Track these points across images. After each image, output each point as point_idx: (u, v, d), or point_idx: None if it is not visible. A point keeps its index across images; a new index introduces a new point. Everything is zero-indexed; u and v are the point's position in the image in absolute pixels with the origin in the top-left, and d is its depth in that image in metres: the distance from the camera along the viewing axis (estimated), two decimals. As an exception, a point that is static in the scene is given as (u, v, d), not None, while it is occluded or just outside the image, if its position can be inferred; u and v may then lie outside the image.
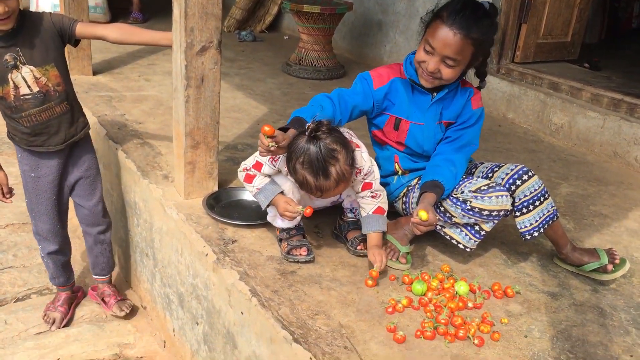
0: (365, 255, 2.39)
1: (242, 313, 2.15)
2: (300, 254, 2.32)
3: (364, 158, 2.23)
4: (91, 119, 3.51)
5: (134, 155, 3.11)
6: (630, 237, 2.82)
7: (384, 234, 2.35)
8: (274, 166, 2.23)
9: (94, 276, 3.01)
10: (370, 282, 2.21)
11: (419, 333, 1.98)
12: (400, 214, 2.57)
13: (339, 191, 2.16)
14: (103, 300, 2.98)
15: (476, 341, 1.96)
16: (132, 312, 3.07)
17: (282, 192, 2.27)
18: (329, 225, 2.61)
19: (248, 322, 2.12)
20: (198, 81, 2.50)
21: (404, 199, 2.49)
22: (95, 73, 4.38)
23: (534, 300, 2.24)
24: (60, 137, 2.56)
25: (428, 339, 1.96)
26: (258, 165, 2.26)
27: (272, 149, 2.02)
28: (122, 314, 2.92)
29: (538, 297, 2.26)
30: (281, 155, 2.19)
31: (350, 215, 2.47)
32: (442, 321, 2.03)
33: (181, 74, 2.48)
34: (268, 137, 2.01)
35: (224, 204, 2.72)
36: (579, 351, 1.99)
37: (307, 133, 2.03)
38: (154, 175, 2.92)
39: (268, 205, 2.28)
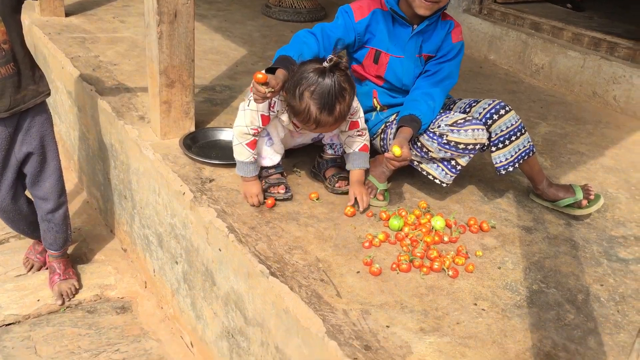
0: (344, 193, 2.39)
1: (219, 250, 2.16)
2: (278, 192, 2.32)
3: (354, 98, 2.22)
4: (64, 60, 3.43)
5: (109, 96, 3.05)
6: (605, 173, 2.85)
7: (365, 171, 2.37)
8: (274, 112, 2.22)
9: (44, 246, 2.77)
10: (349, 212, 2.24)
11: (394, 266, 2.00)
12: (378, 151, 2.57)
13: (332, 129, 2.16)
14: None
15: (450, 272, 1.99)
16: (113, 255, 3.08)
17: (258, 177, 2.31)
18: (308, 164, 2.60)
19: (226, 258, 2.13)
20: (171, 16, 2.44)
21: (382, 136, 2.48)
22: (67, 14, 4.25)
23: (508, 235, 2.27)
24: (4, 103, 2.24)
25: (404, 272, 1.99)
26: (265, 119, 2.22)
27: (269, 95, 2.00)
28: (59, 302, 2.70)
29: (513, 232, 2.29)
30: (278, 100, 2.18)
31: (330, 151, 2.46)
32: (418, 254, 2.06)
33: (153, 9, 2.41)
34: (262, 84, 1.98)
35: (201, 144, 2.70)
36: (550, 281, 2.03)
37: (326, 64, 2.00)
38: (130, 116, 2.88)
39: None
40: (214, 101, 3.18)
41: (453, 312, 1.84)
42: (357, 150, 2.34)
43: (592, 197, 2.39)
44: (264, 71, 2.01)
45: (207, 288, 2.32)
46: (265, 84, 1.98)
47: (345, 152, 2.38)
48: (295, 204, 2.32)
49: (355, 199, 2.26)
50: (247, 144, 2.24)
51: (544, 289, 1.99)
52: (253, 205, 2.25)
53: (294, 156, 2.65)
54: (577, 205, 2.39)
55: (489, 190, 2.58)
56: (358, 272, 1.98)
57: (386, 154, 2.09)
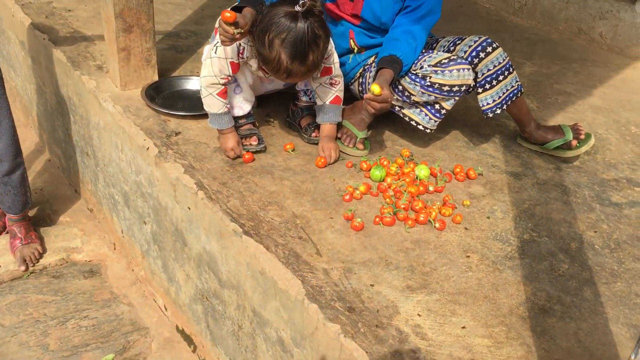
0: (315, 143, 2.24)
1: (189, 208, 2.00)
2: (251, 144, 2.15)
3: None
4: (14, 7, 3.15)
5: (64, 45, 2.81)
6: (594, 113, 2.73)
7: (338, 124, 2.20)
8: (244, 58, 2.02)
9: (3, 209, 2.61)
10: (320, 163, 2.10)
11: (377, 219, 1.87)
12: (356, 97, 2.40)
13: (304, 79, 1.98)
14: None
15: (437, 225, 1.86)
16: (79, 217, 2.91)
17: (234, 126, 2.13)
18: (282, 113, 2.42)
19: (196, 217, 1.98)
20: (124, -48, 2.20)
21: (360, 80, 2.31)
22: (16, -42, 3.91)
23: (496, 182, 2.14)
24: None
25: (387, 225, 1.86)
26: (234, 66, 2.03)
27: (237, 36, 1.80)
28: (22, 268, 2.55)
29: (501, 178, 2.16)
30: (247, 45, 1.98)
31: (304, 98, 2.29)
32: (402, 206, 1.92)
33: (103, -56, 2.16)
34: (230, 24, 1.77)
35: (166, 95, 2.50)
36: (542, 229, 1.92)
37: (299, 8, 1.80)
38: (87, 66, 2.65)
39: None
40: (178, 48, 2.96)
41: (441, 267, 1.72)
42: (328, 102, 2.17)
43: (582, 136, 2.26)
44: (231, 9, 1.80)
45: (177, 249, 2.17)
46: (234, 24, 1.78)
47: (316, 103, 2.21)
48: (269, 156, 2.16)
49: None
50: (217, 94, 2.05)
51: (536, 238, 1.87)
52: (232, 158, 2.09)
53: (266, 104, 2.47)
54: (567, 146, 2.27)
55: (474, 135, 2.44)
56: (338, 227, 1.83)
57: (365, 95, 1.92)
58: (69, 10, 3.24)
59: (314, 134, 2.24)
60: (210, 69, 2.01)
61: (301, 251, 1.72)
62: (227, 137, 2.09)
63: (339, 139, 2.24)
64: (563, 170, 2.26)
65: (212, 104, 2.06)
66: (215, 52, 1.99)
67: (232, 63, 2.01)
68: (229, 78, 2.04)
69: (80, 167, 2.93)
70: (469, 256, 1.77)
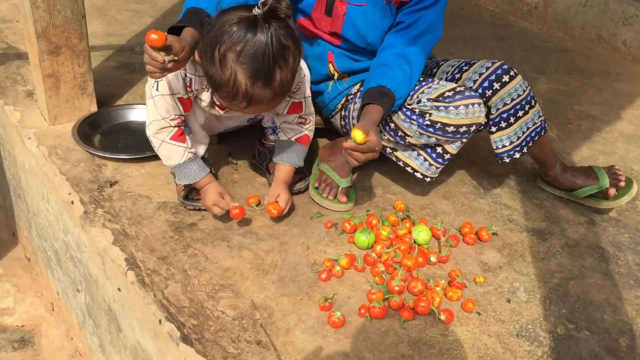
0: (298, 192, 1.79)
1: (119, 289, 1.53)
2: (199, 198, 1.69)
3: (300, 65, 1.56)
4: (-64, 18, 2.67)
5: (-9, 65, 2.34)
6: (626, 144, 2.27)
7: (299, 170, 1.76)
8: (193, 91, 1.55)
9: None
10: (274, 212, 1.63)
11: (363, 311, 1.40)
12: (339, 133, 1.93)
13: (270, 108, 1.50)
14: None
15: (443, 317, 1.40)
16: (14, 267, 2.45)
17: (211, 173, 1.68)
18: (248, 151, 1.96)
19: (127, 302, 1.52)
20: (39, -44, 1.72)
21: (343, 113, 1.84)
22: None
23: (515, 244, 1.68)
24: None
25: (376, 317, 1.40)
26: (185, 103, 1.58)
27: (169, 65, 1.32)
28: None
29: (520, 239, 1.70)
30: (195, 75, 1.51)
31: (273, 137, 1.82)
32: (396, 288, 1.46)
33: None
34: (157, 48, 1.29)
35: (106, 129, 2.03)
36: (580, 317, 1.46)
37: (258, 11, 1.33)
38: (14, 91, 2.18)
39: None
40: (131, 66, 2.49)
41: (450, 386, 1.26)
42: (293, 139, 1.71)
43: (621, 183, 1.80)
44: (161, 31, 1.32)
45: (113, 332, 1.71)
46: (164, 48, 1.30)
47: (279, 139, 1.75)
48: (226, 215, 1.70)
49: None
50: (172, 139, 1.59)
51: (573, 333, 1.42)
52: (219, 215, 1.65)
53: (228, 140, 2.01)
54: (603, 194, 1.81)
55: (484, 176, 1.98)
56: (311, 322, 1.37)
57: (345, 143, 1.45)
58: (7, 21, 2.76)
59: (285, 183, 1.78)
60: (155, 112, 1.55)
61: (259, 366, 1.26)
62: (205, 190, 1.63)
63: (316, 188, 1.78)
64: (597, 224, 1.80)
65: (170, 153, 1.60)
66: (157, 89, 1.53)
67: (180, 99, 1.55)
68: (182, 118, 1.58)
69: (15, 209, 2.47)
70: (486, 364, 1.31)
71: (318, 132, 1.99)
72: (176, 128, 1.58)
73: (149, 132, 1.59)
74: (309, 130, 1.73)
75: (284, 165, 1.70)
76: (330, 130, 1.98)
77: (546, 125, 1.75)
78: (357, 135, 1.42)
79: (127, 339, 1.62)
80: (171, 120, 1.56)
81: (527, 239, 1.71)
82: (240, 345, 1.30)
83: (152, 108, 1.55)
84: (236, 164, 1.93)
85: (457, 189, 1.91)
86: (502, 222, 1.77)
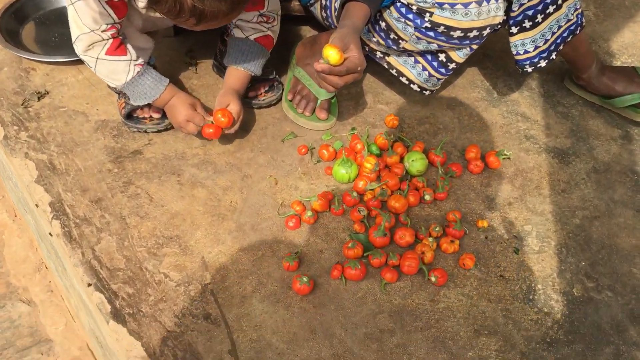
0: (269, 106, 1.47)
1: (50, 234, 1.29)
2: (151, 117, 1.39)
3: None
4: None
5: None
6: (679, 26, 1.85)
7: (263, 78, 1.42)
8: None
9: None
10: (223, 120, 1.31)
11: (336, 272, 1.15)
12: (321, 25, 1.56)
13: (227, 22, 1.15)
14: None
15: (434, 278, 1.15)
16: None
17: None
18: (210, 49, 1.60)
19: (59, 251, 1.28)
20: None
21: (324, 2, 1.45)
22: None
23: (531, 171, 1.38)
24: None
25: (353, 279, 1.15)
26: (119, 7, 1.20)
27: None
28: None
29: (538, 163, 1.40)
30: None
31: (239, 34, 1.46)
32: (377, 238, 1.19)
33: None
34: None
35: (36, 19, 1.67)
36: (602, 272, 1.20)
37: None
38: None
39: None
40: None
41: (436, 375, 1.04)
42: (251, 38, 1.35)
43: (673, 91, 1.45)
44: None
45: (60, 269, 1.50)
46: None
47: (233, 36, 1.39)
48: (179, 139, 1.40)
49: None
50: (109, 53, 1.25)
51: (592, 293, 1.17)
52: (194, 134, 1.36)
53: (187, 33, 1.64)
54: (646, 105, 1.46)
55: (499, 75, 1.63)
56: (273, 288, 1.13)
57: (316, 64, 1.11)
58: None
59: (252, 92, 1.46)
60: (80, 23, 1.20)
61: (205, 350, 1.04)
62: (171, 106, 1.33)
63: (290, 101, 1.46)
64: (635, 141, 1.48)
65: (111, 71, 1.27)
66: None
67: (110, 2, 1.18)
68: (116, 27, 1.23)
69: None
70: (483, 341, 1.08)
71: (298, 22, 1.62)
72: (111, 40, 1.23)
73: (78, 50, 1.25)
74: (272, 30, 1.36)
75: (236, 69, 1.37)
76: (313, 19, 1.60)
77: (583, 19, 1.36)
78: (331, 54, 1.07)
79: (73, 282, 1.40)
80: (102, 32, 1.21)
81: (545, 162, 1.40)
82: (184, 321, 1.08)
83: (74, 18, 1.20)
84: (196, 65, 1.58)
85: (465, 93, 1.57)
86: (517, 139, 1.45)
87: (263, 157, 1.36)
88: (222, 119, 1.29)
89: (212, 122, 1.30)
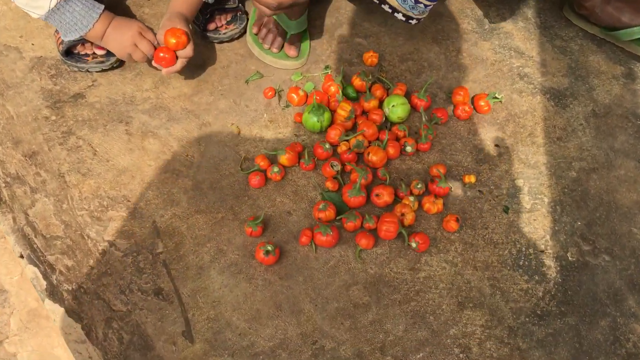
0: (232, 40, 1.29)
1: (-17, 193, 1.14)
2: (94, 54, 1.20)
3: None
4: None
5: None
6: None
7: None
8: None
9: None
10: (172, 41, 1.12)
11: (305, 238, 1.02)
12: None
13: None
14: None
15: (414, 244, 1.02)
16: None
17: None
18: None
19: (-6, 212, 1.13)
20: None
21: None
22: None
23: (524, 116, 1.24)
24: None
25: (324, 246, 1.02)
26: None
27: None
28: None
29: (532, 107, 1.25)
30: None
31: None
32: (352, 198, 1.06)
33: None
34: None
35: None
36: (600, 233, 1.09)
37: None
38: None
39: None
40: None
41: (414, 354, 0.93)
42: None
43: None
44: None
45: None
46: None
47: None
48: (128, 79, 1.22)
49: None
50: None
51: (588, 258, 1.06)
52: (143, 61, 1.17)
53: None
54: (653, 38, 1.31)
55: (491, 0, 1.44)
56: (234, 257, 1.01)
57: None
58: None
59: (212, 24, 1.27)
60: None
61: (155, 332, 0.92)
62: (111, 34, 1.14)
63: (256, 35, 1.28)
64: (638, 79, 1.33)
65: None
66: None
67: None
68: None
69: None
70: (467, 315, 0.97)
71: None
72: None
73: None
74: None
75: None
76: None
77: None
78: None
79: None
80: None
81: (540, 106, 1.26)
82: (131, 298, 0.95)
83: None
84: (147, -10, 1.38)
85: (452, 25, 1.39)
86: (510, 78, 1.30)
87: (224, 101, 1.20)
88: (173, 40, 1.11)
89: (163, 47, 1.12)
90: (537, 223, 1.09)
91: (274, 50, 1.25)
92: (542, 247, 1.06)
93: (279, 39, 1.25)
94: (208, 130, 1.15)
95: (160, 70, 1.13)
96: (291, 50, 1.24)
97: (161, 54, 1.11)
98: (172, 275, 0.97)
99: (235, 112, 1.19)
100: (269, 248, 0.98)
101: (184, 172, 1.09)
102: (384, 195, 1.06)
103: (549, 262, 1.04)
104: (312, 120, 1.14)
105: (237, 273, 0.99)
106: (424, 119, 1.16)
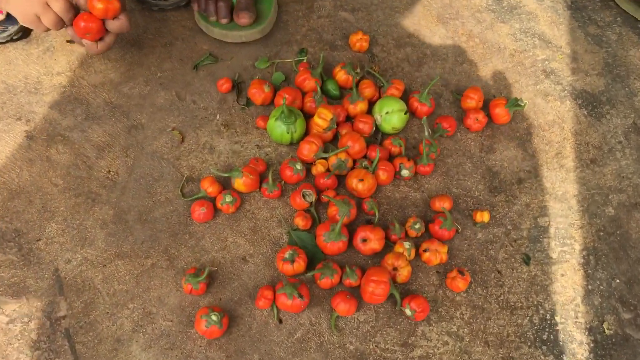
0: (179, 7, 0.97)
1: None
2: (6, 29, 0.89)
3: None
4: None
5: None
6: None
7: None
8: None
9: None
10: (84, 25, 0.82)
11: (263, 301, 0.75)
12: None
13: None
14: None
15: (409, 312, 0.77)
16: None
17: None
18: None
19: None
20: None
21: None
22: None
23: (549, 127, 0.98)
24: None
25: (290, 311, 0.76)
26: None
27: None
28: None
29: (559, 114, 0.99)
30: None
31: None
32: (329, 243, 0.79)
33: None
34: None
35: None
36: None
37: None
38: None
39: None
40: None
41: None
42: None
43: None
44: None
45: None
46: None
47: None
48: (33, 57, 0.91)
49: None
50: None
51: (629, 331, 0.82)
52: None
53: None
54: None
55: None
56: (165, 327, 0.74)
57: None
58: None
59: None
60: None
61: None
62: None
63: (198, 12, 0.97)
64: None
65: None
66: None
67: None
68: None
69: None
70: (474, 413, 0.73)
71: None
72: None
73: None
74: None
75: None
76: None
77: None
78: None
79: None
80: None
81: (570, 115, 0.99)
82: (17, 388, 0.68)
83: None
84: None
85: (462, 1, 1.10)
86: (534, 76, 1.02)
87: (164, 94, 0.90)
88: (100, 5, 0.79)
89: (86, 13, 0.81)
90: (565, 279, 0.84)
91: (222, 21, 0.94)
92: (572, 314, 0.81)
93: (222, 6, 0.94)
94: (140, 135, 0.86)
95: (84, 46, 0.82)
96: (242, 18, 0.94)
97: (83, 23, 0.80)
98: (77, 353, 0.70)
99: (178, 110, 0.89)
100: (214, 318, 0.71)
101: (103, 196, 0.80)
102: (371, 241, 0.79)
103: (580, 335, 0.80)
104: (280, 129, 0.85)
105: (168, 349, 0.72)
106: (426, 132, 0.88)
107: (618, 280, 0.85)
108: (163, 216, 0.80)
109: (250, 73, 0.94)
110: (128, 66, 0.91)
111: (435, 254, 0.81)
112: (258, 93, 0.89)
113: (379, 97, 0.93)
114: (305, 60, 0.95)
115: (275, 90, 0.92)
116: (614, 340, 0.81)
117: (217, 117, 0.89)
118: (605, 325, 0.82)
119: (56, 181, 0.81)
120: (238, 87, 0.92)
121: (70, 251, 0.76)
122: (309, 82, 0.90)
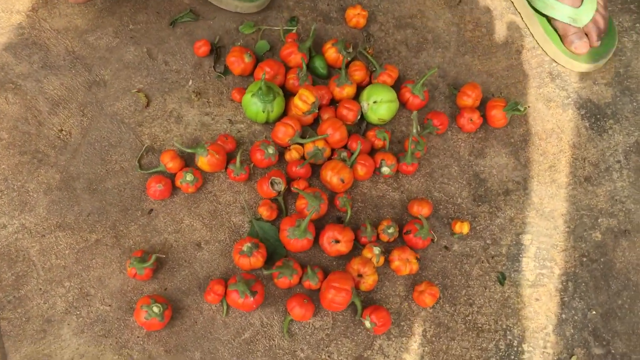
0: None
1: None
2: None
3: None
4: None
5: None
6: None
7: None
8: None
9: None
10: None
11: (212, 296, 0.69)
12: None
13: None
14: None
15: (369, 324, 0.71)
16: None
17: None
18: None
19: None
20: None
21: None
22: None
23: (547, 136, 0.91)
24: None
25: (241, 309, 0.70)
26: None
27: None
28: None
29: (559, 123, 0.93)
30: None
31: None
32: (293, 240, 0.73)
33: None
34: None
35: None
36: (620, 331, 0.80)
37: None
38: None
39: None
40: None
41: None
42: None
43: None
44: None
45: None
46: None
47: None
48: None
49: None
50: None
51: (597, 369, 0.78)
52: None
53: None
54: None
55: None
56: (102, 313, 0.68)
57: None
58: None
59: None
60: None
61: None
62: None
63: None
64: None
65: None
66: None
67: None
68: None
69: None
70: None
71: None
72: None
73: None
74: None
75: None
76: None
77: None
78: None
79: None
80: None
81: (571, 126, 0.93)
82: None
83: None
84: None
85: (476, -18, 1.01)
86: (538, 77, 0.95)
87: (133, 49, 0.81)
88: None
89: None
90: (539, 305, 0.79)
91: (219, -18, 0.85)
92: (542, 343, 0.76)
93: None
94: (101, 93, 0.77)
95: None
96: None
97: None
98: (1, 330, 0.64)
99: (147, 69, 0.80)
100: (155, 310, 0.65)
101: (51, 157, 0.73)
102: (339, 243, 0.73)
103: (547, 366, 0.75)
104: (256, 107, 0.77)
105: (102, 336, 0.66)
106: (414, 129, 0.81)
107: (594, 312, 0.80)
108: (115, 187, 0.73)
109: (232, 37, 0.85)
110: (97, 13, 0.82)
111: (406, 263, 0.75)
112: (237, 62, 0.81)
113: (369, 83, 0.85)
114: (294, 31, 0.87)
115: (258, 60, 0.83)
116: (580, 376, 0.76)
117: (190, 83, 0.81)
118: (573, 359, 0.77)
119: (0, 134, 0.73)
120: (217, 51, 0.84)
121: (6, 215, 0.69)
122: (295, 57, 0.82)
